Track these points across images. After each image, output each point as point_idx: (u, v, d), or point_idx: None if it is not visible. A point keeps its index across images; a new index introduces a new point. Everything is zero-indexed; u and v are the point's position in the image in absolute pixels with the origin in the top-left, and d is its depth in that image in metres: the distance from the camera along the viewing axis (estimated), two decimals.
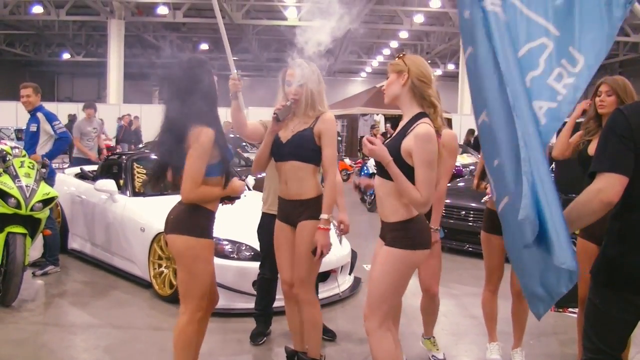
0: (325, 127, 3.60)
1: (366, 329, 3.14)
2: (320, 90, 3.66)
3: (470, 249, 7.87)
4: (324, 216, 3.54)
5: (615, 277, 2.41)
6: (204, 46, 34.56)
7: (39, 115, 6.53)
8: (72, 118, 21.65)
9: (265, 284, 4.66)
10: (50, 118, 6.60)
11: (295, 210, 3.63)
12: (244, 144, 13.72)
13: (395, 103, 3.16)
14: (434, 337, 4.41)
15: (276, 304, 4.75)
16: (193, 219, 3.31)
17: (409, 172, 2.98)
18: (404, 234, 3.06)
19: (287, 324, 3.96)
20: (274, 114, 3.52)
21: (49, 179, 6.20)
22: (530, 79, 2.39)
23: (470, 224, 7.88)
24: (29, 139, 6.52)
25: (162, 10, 25.09)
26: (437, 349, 4.38)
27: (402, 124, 3.12)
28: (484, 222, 4.26)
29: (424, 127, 2.96)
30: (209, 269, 3.39)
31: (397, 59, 3.17)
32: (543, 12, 2.42)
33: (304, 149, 3.59)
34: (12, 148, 5.85)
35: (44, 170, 5.83)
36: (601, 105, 3.83)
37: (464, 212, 7.94)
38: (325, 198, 3.60)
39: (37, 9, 25.20)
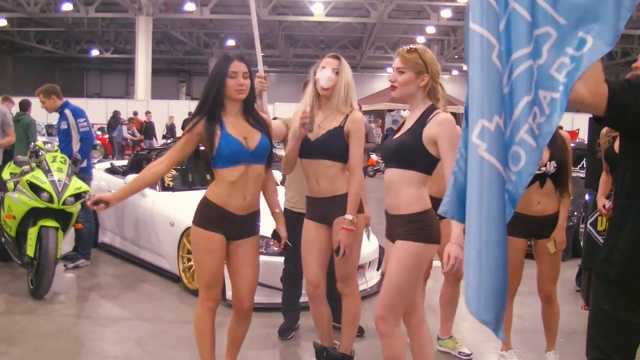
0: (354, 127, 3.57)
1: (382, 331, 3.07)
2: (353, 86, 3.64)
3: None
4: (348, 217, 3.51)
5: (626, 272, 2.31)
6: (231, 42, 34.69)
7: (67, 112, 6.52)
8: (116, 114, 22.00)
9: (291, 279, 4.67)
10: (77, 114, 6.54)
11: (331, 207, 3.60)
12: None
13: (405, 99, 3.16)
14: (454, 336, 4.39)
15: (303, 298, 4.77)
16: (198, 209, 3.43)
17: (430, 162, 3.05)
18: (421, 226, 3.03)
19: (314, 324, 3.96)
20: (302, 124, 3.50)
21: (85, 174, 6.29)
22: (537, 66, 2.27)
23: None
24: (63, 138, 6.50)
25: (190, 6, 25.26)
26: (461, 345, 4.37)
27: (413, 117, 3.14)
28: None
29: (445, 114, 3.06)
30: (207, 259, 3.39)
31: (410, 52, 3.12)
32: None
33: (335, 147, 3.56)
34: (44, 143, 5.94)
35: (76, 165, 5.91)
36: None
37: None
38: (350, 198, 3.55)
39: (67, 7, 25.57)
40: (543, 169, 3.76)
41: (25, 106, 9.18)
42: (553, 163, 3.78)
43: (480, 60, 2.23)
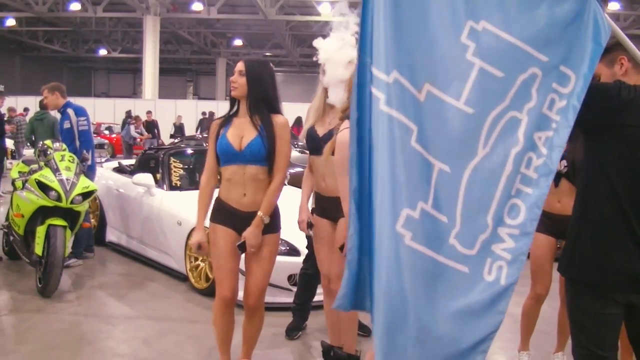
0: None
1: None
2: None
3: None
4: None
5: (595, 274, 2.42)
6: (238, 42, 34.71)
7: (69, 111, 6.52)
8: (129, 114, 22.08)
9: (308, 279, 4.67)
10: (78, 113, 6.53)
11: (335, 207, 3.49)
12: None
13: None
14: None
15: (316, 297, 4.77)
16: (213, 205, 3.59)
17: None
18: None
19: (325, 319, 3.97)
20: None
21: (88, 172, 6.30)
22: (527, 111, 2.25)
23: None
24: (65, 137, 6.49)
25: (197, 6, 25.29)
26: None
27: None
28: None
29: None
30: (213, 250, 3.53)
31: None
32: (527, 38, 2.24)
33: None
34: (52, 142, 5.97)
35: (84, 163, 5.93)
36: None
37: None
38: None
39: (75, 6, 25.64)
40: None
41: (45, 105, 9.25)
42: (564, 162, 3.72)
43: (400, 145, 2.07)
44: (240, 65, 3.45)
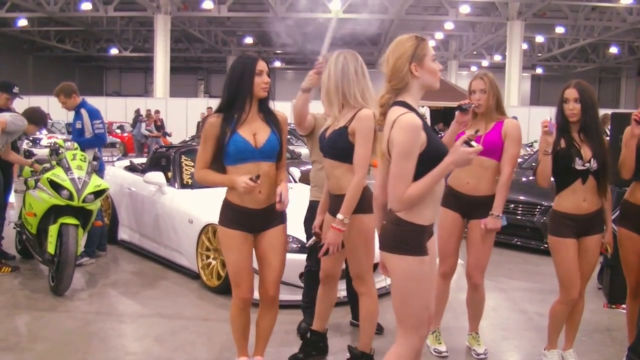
0: (359, 125, 3.44)
1: None
2: (355, 79, 3.51)
3: (519, 243, 7.75)
4: (339, 216, 3.46)
5: None
6: (248, 40, 34.76)
7: (83, 111, 6.56)
8: (139, 112, 22.16)
9: (313, 277, 4.65)
10: (93, 115, 6.56)
11: (338, 205, 3.52)
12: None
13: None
14: (477, 333, 4.35)
15: None
16: (221, 209, 3.53)
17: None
18: None
19: (316, 305, 4.07)
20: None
21: (98, 171, 6.31)
22: None
23: (519, 217, 7.75)
24: (77, 136, 6.52)
25: (207, 4, 25.35)
26: (479, 344, 4.32)
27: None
28: (551, 225, 3.90)
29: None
30: (230, 256, 3.50)
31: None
32: None
33: (338, 148, 3.52)
34: (64, 141, 5.99)
35: (95, 162, 5.95)
36: None
37: (512, 206, 7.81)
38: (346, 197, 3.46)
39: (86, 6, 25.80)
40: (587, 164, 3.72)
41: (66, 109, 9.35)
42: (595, 161, 3.74)
43: None
44: (266, 66, 3.44)
